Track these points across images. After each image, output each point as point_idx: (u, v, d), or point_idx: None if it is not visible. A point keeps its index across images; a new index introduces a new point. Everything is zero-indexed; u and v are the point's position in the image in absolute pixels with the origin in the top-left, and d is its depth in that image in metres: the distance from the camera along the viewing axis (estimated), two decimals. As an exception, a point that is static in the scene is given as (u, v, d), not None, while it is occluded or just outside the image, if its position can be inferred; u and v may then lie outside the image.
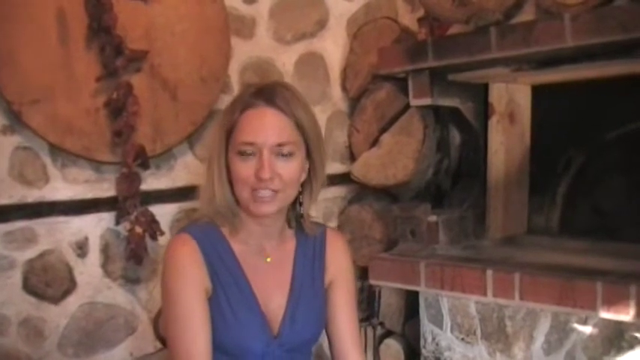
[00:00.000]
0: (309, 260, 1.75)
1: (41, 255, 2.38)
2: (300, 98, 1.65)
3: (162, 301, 1.65)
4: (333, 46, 3.20)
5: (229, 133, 1.61)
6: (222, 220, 1.66)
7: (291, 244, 1.74)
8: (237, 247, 1.66)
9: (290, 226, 1.76)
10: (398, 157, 2.90)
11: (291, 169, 1.59)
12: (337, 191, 3.20)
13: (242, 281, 1.64)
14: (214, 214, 1.65)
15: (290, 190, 1.62)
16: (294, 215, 1.73)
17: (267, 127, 1.58)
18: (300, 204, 1.70)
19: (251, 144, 1.57)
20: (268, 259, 1.70)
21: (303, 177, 1.66)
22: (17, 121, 2.30)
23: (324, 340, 1.82)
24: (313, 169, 1.67)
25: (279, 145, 1.57)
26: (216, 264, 1.62)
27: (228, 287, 1.62)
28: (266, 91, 1.62)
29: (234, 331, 1.61)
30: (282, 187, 1.58)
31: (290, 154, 1.59)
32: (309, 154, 1.65)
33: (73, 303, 2.46)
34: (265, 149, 1.56)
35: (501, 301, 2.39)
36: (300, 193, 1.68)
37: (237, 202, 1.64)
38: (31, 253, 2.36)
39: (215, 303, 1.61)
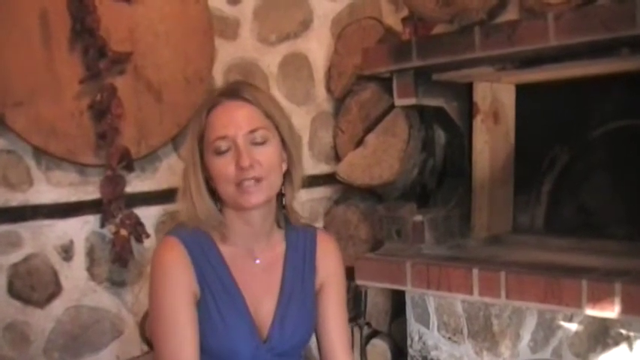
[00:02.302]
0: (299, 263, 1.74)
1: (26, 259, 2.36)
2: (265, 92, 1.70)
3: (150, 305, 1.64)
4: (317, 47, 3.20)
5: (201, 138, 1.61)
6: (208, 228, 1.65)
7: (280, 248, 1.74)
8: (225, 250, 1.66)
9: (279, 226, 1.75)
10: (383, 157, 2.90)
11: (268, 155, 1.59)
12: (323, 192, 3.20)
13: (231, 285, 1.63)
14: (200, 225, 1.64)
15: (273, 177, 1.61)
16: (281, 209, 1.73)
17: (235, 117, 1.58)
18: (283, 195, 1.70)
19: (224, 137, 1.57)
20: (257, 262, 1.69)
21: (284, 167, 1.67)
22: (0, 125, 2.27)
23: (312, 342, 1.81)
24: (290, 158, 1.68)
25: (252, 131, 1.58)
26: (204, 267, 1.61)
27: (217, 291, 1.61)
28: (229, 88, 1.65)
29: (223, 335, 1.60)
30: (265, 174, 1.58)
31: (264, 140, 1.59)
32: (284, 145, 1.65)
33: (58, 307, 2.44)
34: (239, 139, 1.56)
35: (487, 299, 2.39)
36: (282, 184, 1.68)
37: (221, 207, 1.64)
38: (15, 257, 2.34)
39: (203, 307, 1.60)
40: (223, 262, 1.65)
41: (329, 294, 1.77)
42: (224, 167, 1.57)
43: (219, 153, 1.58)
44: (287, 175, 1.69)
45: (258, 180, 1.57)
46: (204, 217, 1.62)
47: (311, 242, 1.78)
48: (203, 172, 1.62)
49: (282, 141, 1.65)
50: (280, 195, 1.70)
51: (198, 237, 1.63)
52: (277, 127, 1.63)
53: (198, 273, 1.61)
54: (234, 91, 1.62)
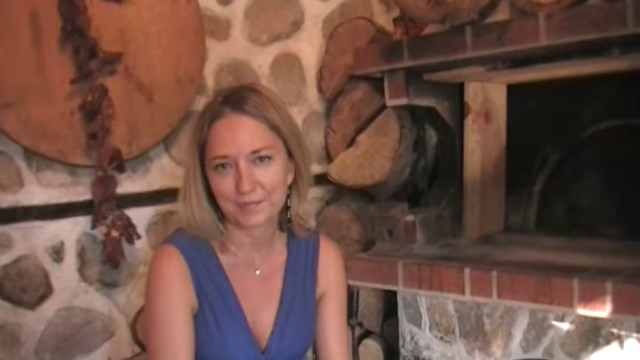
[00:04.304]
0: (300, 272, 1.70)
1: (16, 260, 2.35)
2: (270, 98, 1.57)
3: (146, 314, 1.60)
4: (308, 47, 3.20)
5: (202, 148, 1.54)
6: (208, 236, 1.60)
7: (281, 256, 1.69)
8: (225, 259, 1.62)
9: (282, 230, 1.70)
10: (375, 157, 2.91)
11: (271, 175, 1.53)
12: (314, 192, 3.20)
13: (229, 295, 1.59)
14: (199, 233, 1.59)
15: (276, 196, 1.55)
16: (285, 219, 1.67)
17: (238, 136, 1.50)
18: (288, 207, 1.64)
19: (224, 157, 1.50)
20: (257, 272, 1.65)
21: (290, 179, 1.61)
22: (-10, 125, 2.27)
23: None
24: (297, 168, 1.61)
25: (254, 151, 1.50)
26: (202, 277, 1.57)
27: (215, 301, 1.58)
28: (233, 97, 1.55)
29: (220, 346, 1.57)
30: (267, 196, 1.52)
31: (268, 158, 1.52)
32: (290, 155, 1.59)
33: (49, 308, 2.43)
34: (241, 159, 1.49)
35: (479, 299, 2.40)
36: (288, 195, 1.62)
37: (222, 217, 1.59)
38: (6, 258, 2.33)
39: (201, 318, 1.57)
40: (222, 271, 1.60)
41: (329, 303, 1.74)
42: (224, 186, 1.51)
43: (219, 171, 1.52)
44: (293, 186, 1.64)
45: (258, 202, 1.52)
46: (203, 227, 1.58)
47: (313, 251, 1.73)
48: (204, 180, 1.56)
49: (289, 151, 1.58)
50: (285, 205, 1.64)
51: (198, 246, 1.59)
52: (283, 140, 1.56)
53: (196, 283, 1.57)
54: (238, 102, 1.53)
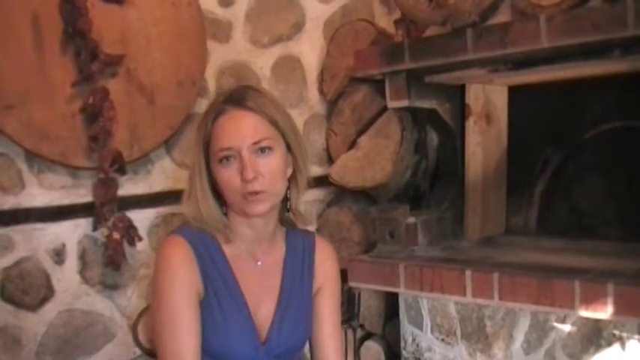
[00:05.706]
0: (298, 267, 1.76)
1: (18, 262, 2.36)
2: (269, 97, 1.68)
3: (153, 302, 1.64)
4: (309, 49, 3.20)
5: (207, 145, 1.62)
6: (213, 230, 1.66)
7: (280, 251, 1.76)
8: (228, 250, 1.68)
9: (283, 225, 1.78)
10: (376, 159, 2.90)
11: (273, 165, 1.60)
12: (315, 194, 3.20)
13: (233, 285, 1.65)
14: (204, 227, 1.65)
15: (278, 186, 1.63)
16: (285, 211, 1.75)
17: (241, 128, 1.59)
18: (288, 199, 1.71)
19: (229, 149, 1.58)
20: (259, 263, 1.71)
21: (289, 172, 1.68)
22: (-8, 128, 2.27)
23: (305, 346, 1.82)
24: (296, 162, 1.69)
25: (256, 142, 1.59)
26: (208, 267, 1.63)
27: (220, 291, 1.63)
28: (234, 95, 1.64)
29: (224, 335, 1.62)
30: (269, 186, 1.59)
31: (269, 149, 1.60)
32: (289, 149, 1.67)
33: (50, 310, 2.43)
34: (244, 150, 1.57)
35: (480, 301, 2.40)
36: (288, 188, 1.69)
37: (226, 211, 1.66)
38: (7, 260, 2.33)
39: (206, 306, 1.62)
40: (226, 261, 1.66)
41: (324, 299, 1.80)
42: (229, 178, 1.58)
43: (224, 163, 1.59)
44: (292, 179, 1.71)
45: (262, 192, 1.59)
46: (209, 221, 1.64)
47: (309, 247, 1.80)
48: (208, 176, 1.63)
49: (288, 146, 1.66)
50: (285, 198, 1.71)
51: (202, 237, 1.65)
52: (282, 134, 1.64)
53: (202, 270, 1.62)
54: (239, 99, 1.62)
